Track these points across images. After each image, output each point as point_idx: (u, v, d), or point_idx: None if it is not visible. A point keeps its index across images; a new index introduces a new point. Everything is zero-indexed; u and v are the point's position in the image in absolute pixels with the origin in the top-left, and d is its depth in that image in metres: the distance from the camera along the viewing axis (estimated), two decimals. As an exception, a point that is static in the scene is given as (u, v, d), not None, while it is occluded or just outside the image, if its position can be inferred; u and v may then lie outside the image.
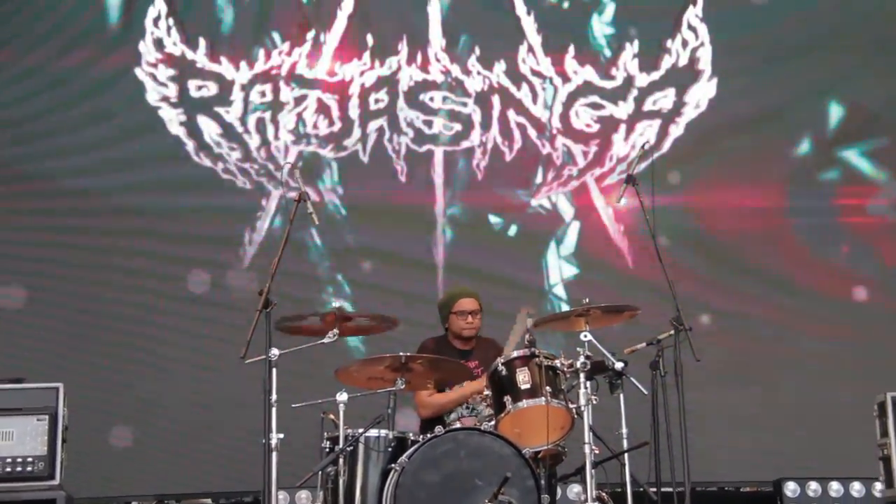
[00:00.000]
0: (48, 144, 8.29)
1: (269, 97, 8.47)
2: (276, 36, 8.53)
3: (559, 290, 8.42)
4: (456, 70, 8.58)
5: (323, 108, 8.48)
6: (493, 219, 8.52)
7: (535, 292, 8.30)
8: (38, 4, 8.46)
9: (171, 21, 8.43)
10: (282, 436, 5.58)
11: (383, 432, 5.84)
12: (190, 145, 8.39)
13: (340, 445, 5.72)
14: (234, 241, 8.27)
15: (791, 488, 7.70)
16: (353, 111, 8.50)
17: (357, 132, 8.48)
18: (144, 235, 8.25)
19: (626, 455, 6.05)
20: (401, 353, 5.94)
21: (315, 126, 8.48)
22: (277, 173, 8.38)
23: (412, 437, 5.90)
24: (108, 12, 8.49)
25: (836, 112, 8.72)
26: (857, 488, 7.69)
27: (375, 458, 5.80)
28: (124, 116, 8.39)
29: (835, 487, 7.70)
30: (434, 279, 8.32)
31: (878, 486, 7.36)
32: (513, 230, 8.53)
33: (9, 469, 5.72)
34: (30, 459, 5.73)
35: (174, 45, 8.43)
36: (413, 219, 8.45)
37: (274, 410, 5.59)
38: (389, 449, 5.81)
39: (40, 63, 8.39)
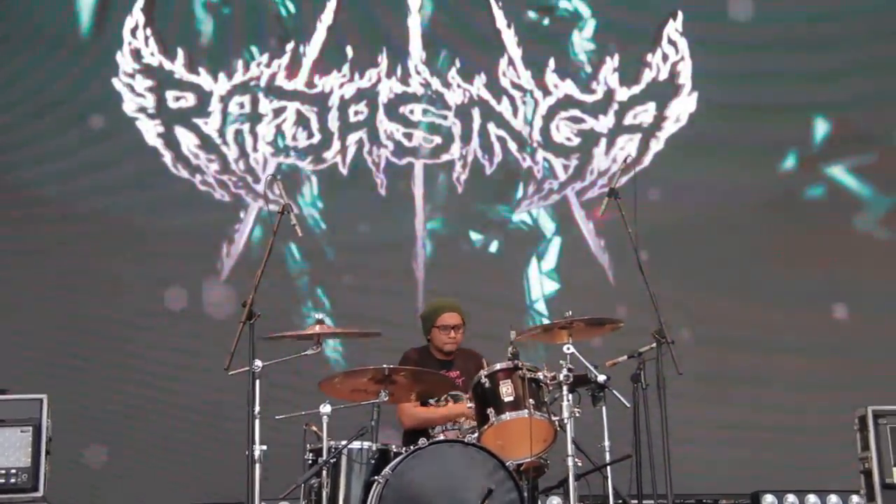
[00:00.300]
0: (24, 154, 8.23)
1: (247, 109, 8.43)
2: (254, 48, 8.50)
3: (540, 306, 8.41)
4: (436, 83, 8.58)
5: (302, 120, 8.46)
6: (475, 235, 8.51)
7: (516, 308, 8.28)
8: (10, 13, 8.38)
9: (148, 31, 8.38)
10: (265, 447, 5.56)
11: (366, 444, 5.82)
12: (167, 157, 8.34)
13: (324, 457, 5.70)
14: (212, 254, 8.22)
15: (768, 500, 7.71)
16: (333, 123, 8.47)
17: (336, 144, 8.46)
18: (121, 247, 8.18)
19: (608, 468, 6.05)
20: (384, 366, 5.93)
21: (294, 138, 8.45)
22: (256, 185, 8.34)
23: (395, 450, 5.88)
24: (80, 21, 8.43)
25: (821, 127, 8.77)
26: (833, 501, 7.71)
27: (358, 470, 5.78)
28: (101, 127, 8.32)
29: (812, 500, 7.72)
30: (414, 293, 8.29)
31: (855, 498, 7.42)
32: (494, 246, 8.52)
33: (-10, 480, 5.67)
34: (13, 471, 5.68)
35: (152, 55, 8.38)
36: (393, 232, 8.43)
37: (257, 422, 5.56)
38: (372, 461, 5.79)
39: (14, 73, 8.32)
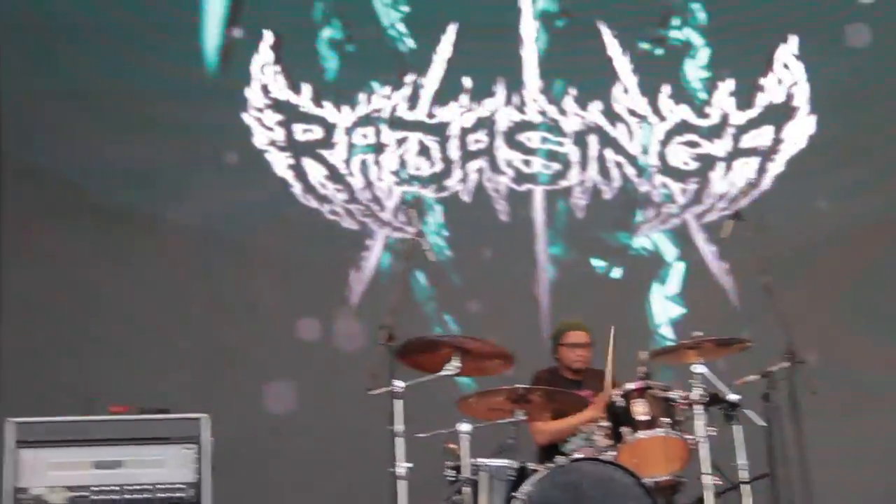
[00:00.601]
0: (162, 189, 8.51)
1: (371, 139, 8.68)
2: (375, 82, 8.74)
3: (665, 331, 8.45)
4: (553, 111, 8.74)
5: (424, 150, 8.68)
6: (596, 262, 8.60)
7: (641, 333, 8.28)
8: (143, 60, 8.71)
9: (277, 68, 8.69)
10: (411, 465, 5.72)
11: (505, 461, 5.94)
12: (297, 187, 8.61)
13: (464, 475, 5.83)
14: (342, 282, 8.43)
15: (901, 519, 7.66)
16: (454, 152, 8.68)
17: (458, 173, 8.66)
18: (257, 276, 8.43)
19: (745, 486, 6.08)
20: (518, 385, 6.06)
21: (417, 167, 8.67)
22: (382, 214, 8.58)
23: (533, 467, 5.99)
24: (206, 61, 8.74)
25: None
26: (967, 522, 7.62)
27: (499, 487, 5.89)
28: (235, 160, 8.62)
29: (945, 520, 7.64)
30: (537, 318, 8.40)
31: None
32: (617, 272, 8.60)
33: (161, 494, 5.92)
34: (180, 486, 5.93)
35: (280, 90, 8.69)
36: (516, 258, 8.56)
37: (401, 441, 5.74)
38: (511, 478, 5.90)
39: (149, 111, 8.61)
